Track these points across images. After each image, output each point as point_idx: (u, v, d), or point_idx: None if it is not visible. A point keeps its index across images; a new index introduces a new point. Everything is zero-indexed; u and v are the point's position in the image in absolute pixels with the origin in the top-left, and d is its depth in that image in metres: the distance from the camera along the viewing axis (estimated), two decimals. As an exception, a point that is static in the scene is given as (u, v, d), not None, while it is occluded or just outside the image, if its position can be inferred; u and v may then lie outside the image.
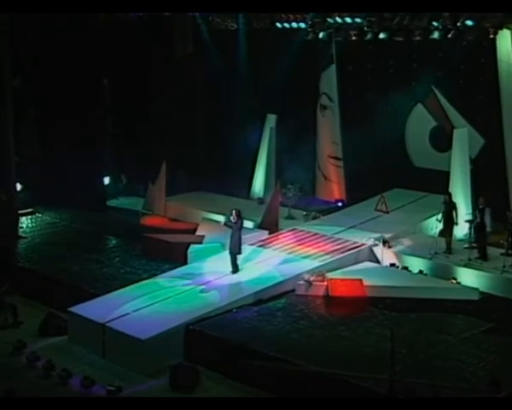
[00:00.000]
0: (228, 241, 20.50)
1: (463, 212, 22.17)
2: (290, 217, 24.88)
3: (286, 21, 26.67)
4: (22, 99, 26.68)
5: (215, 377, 16.58)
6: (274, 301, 19.08)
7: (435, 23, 23.53)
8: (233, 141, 27.89)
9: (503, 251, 20.68)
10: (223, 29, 28.36)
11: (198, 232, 23.25)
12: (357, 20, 25.10)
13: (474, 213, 21.63)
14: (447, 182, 23.01)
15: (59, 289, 20.22)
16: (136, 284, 19.69)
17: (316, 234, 22.73)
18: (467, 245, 21.26)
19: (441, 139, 25.11)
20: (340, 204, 26.94)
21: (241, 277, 20.05)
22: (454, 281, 20.20)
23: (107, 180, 28.94)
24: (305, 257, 21.16)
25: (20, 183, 26.28)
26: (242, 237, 20.35)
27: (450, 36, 23.47)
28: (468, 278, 20.10)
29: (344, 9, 24.52)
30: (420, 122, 25.91)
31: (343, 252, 21.44)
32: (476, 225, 21.06)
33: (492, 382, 14.16)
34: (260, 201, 26.40)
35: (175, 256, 21.49)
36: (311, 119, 27.89)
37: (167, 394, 16.00)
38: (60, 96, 26.48)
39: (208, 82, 29.20)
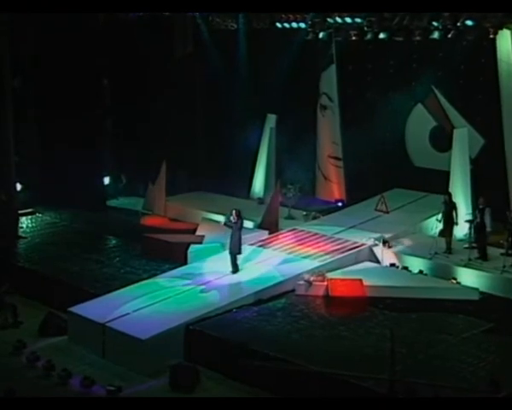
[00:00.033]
0: (228, 241, 20.50)
1: (463, 212, 22.17)
2: (290, 217, 24.87)
3: (286, 21, 26.67)
4: (22, 99, 26.69)
5: (215, 377, 16.57)
6: (274, 301, 19.07)
7: (435, 23, 23.53)
8: (233, 141, 27.89)
9: (503, 251, 20.67)
10: (223, 29, 28.36)
11: (198, 232, 23.24)
12: (357, 20, 25.10)
13: (474, 213, 21.62)
14: (447, 182, 23.01)
15: (59, 289, 20.22)
16: (136, 284, 19.68)
17: (316, 234, 22.72)
18: (467, 245, 21.26)
19: (441, 139, 25.11)
20: (340, 204, 26.94)
21: (241, 277, 20.05)
22: (454, 281, 20.20)
23: (107, 180, 28.93)
24: (305, 257, 21.15)
25: (20, 183, 26.28)
26: (242, 237, 20.34)
27: (450, 36, 23.47)
28: (468, 278, 20.09)
29: (344, 9, 24.52)
30: (420, 122, 25.91)
31: (343, 252, 21.44)
32: (476, 225, 21.05)
33: (492, 382, 14.17)
34: (260, 201, 26.39)
35: (175, 256, 21.49)
36: (311, 119, 27.89)
37: (167, 394, 15.99)
38: (60, 96, 26.48)
39: (208, 82, 29.20)
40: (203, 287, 19.45)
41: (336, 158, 27.66)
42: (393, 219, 23.88)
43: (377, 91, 26.09)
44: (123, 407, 13.78)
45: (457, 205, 21.72)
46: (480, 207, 21.19)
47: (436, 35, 23.71)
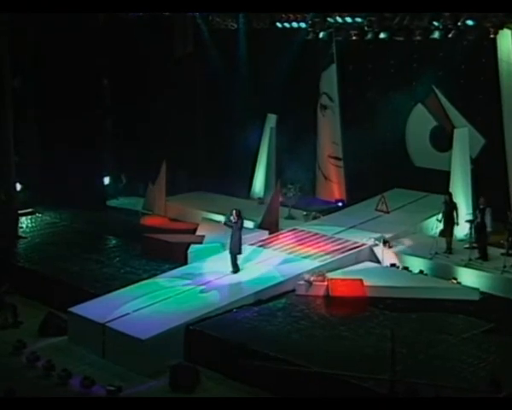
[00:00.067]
0: (228, 241, 20.48)
1: (464, 212, 22.15)
2: (290, 217, 24.86)
3: (286, 21, 26.66)
4: (22, 99, 26.69)
5: (215, 377, 16.56)
6: (274, 301, 19.05)
7: (436, 23, 23.53)
8: (233, 141, 27.86)
9: (503, 251, 20.66)
10: (223, 29, 28.35)
11: (198, 232, 23.23)
12: (358, 19, 25.09)
13: (474, 213, 21.61)
14: (448, 182, 23.00)
15: (59, 289, 20.20)
16: (136, 284, 19.66)
17: (316, 234, 22.70)
18: (467, 245, 21.25)
19: (442, 139, 25.09)
20: (340, 204, 26.93)
21: (242, 277, 20.03)
22: (454, 281, 20.18)
23: (107, 180, 28.94)
24: (305, 257, 21.13)
25: (20, 183, 26.27)
26: (242, 237, 20.33)
27: (450, 36, 23.46)
28: (469, 278, 20.07)
29: (344, 9, 24.49)
30: (420, 122, 25.89)
31: (343, 252, 21.42)
32: (477, 225, 21.04)
33: (493, 382, 14.14)
34: (260, 201, 26.37)
35: (175, 256, 21.47)
36: (311, 119, 27.87)
37: (167, 394, 15.97)
38: (60, 96, 26.48)
39: (208, 82, 29.20)
40: (203, 287, 19.43)
41: (336, 158, 27.65)
42: (394, 219, 23.86)
43: (378, 91, 26.08)
44: (123, 408, 13.77)
45: (458, 205, 21.71)
46: (481, 207, 21.17)
47: (436, 35, 23.71)
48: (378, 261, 21.56)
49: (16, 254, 22.94)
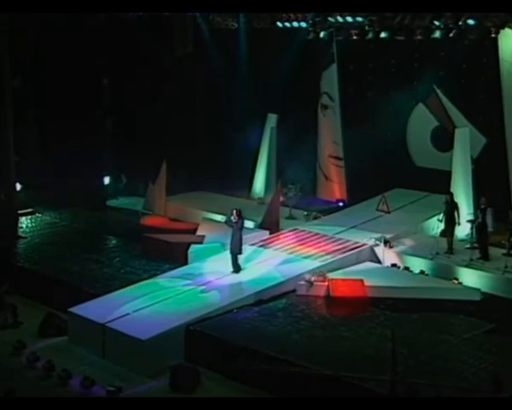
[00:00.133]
0: (228, 241, 20.44)
1: (465, 212, 22.13)
2: (291, 217, 24.83)
3: (287, 21, 26.67)
4: (22, 99, 26.68)
5: (215, 377, 16.52)
6: (275, 301, 19.01)
7: (437, 22, 23.52)
8: (233, 141, 27.83)
9: (504, 251, 20.58)
10: (223, 28, 28.36)
11: (198, 232, 23.21)
12: (359, 19, 25.10)
13: (475, 213, 21.58)
14: (449, 182, 22.98)
15: (59, 289, 20.18)
16: (136, 285, 19.63)
17: (317, 234, 22.67)
18: (468, 245, 21.22)
19: (443, 139, 25.07)
20: (341, 204, 26.91)
21: (242, 277, 19.99)
22: (455, 281, 20.14)
23: (107, 180, 28.92)
24: (306, 257, 21.09)
25: (20, 183, 26.25)
26: (243, 237, 20.29)
27: (451, 35, 23.48)
28: (470, 278, 20.03)
29: (345, 9, 24.46)
30: (421, 122, 25.87)
31: (344, 252, 21.38)
32: (478, 225, 21.00)
33: (494, 382, 14.10)
34: (261, 201, 26.34)
35: (175, 256, 21.45)
36: (311, 118, 27.87)
37: (167, 394, 15.94)
38: (60, 96, 26.47)
39: (208, 82, 29.18)
40: (203, 287, 19.39)
41: (337, 158, 27.63)
42: (395, 219, 23.84)
43: (378, 91, 26.07)
44: (123, 408, 13.75)
45: (459, 205, 21.66)
46: (482, 207, 21.12)
47: (438, 34, 23.70)
48: (379, 261, 21.53)
49: (16, 254, 22.91)
